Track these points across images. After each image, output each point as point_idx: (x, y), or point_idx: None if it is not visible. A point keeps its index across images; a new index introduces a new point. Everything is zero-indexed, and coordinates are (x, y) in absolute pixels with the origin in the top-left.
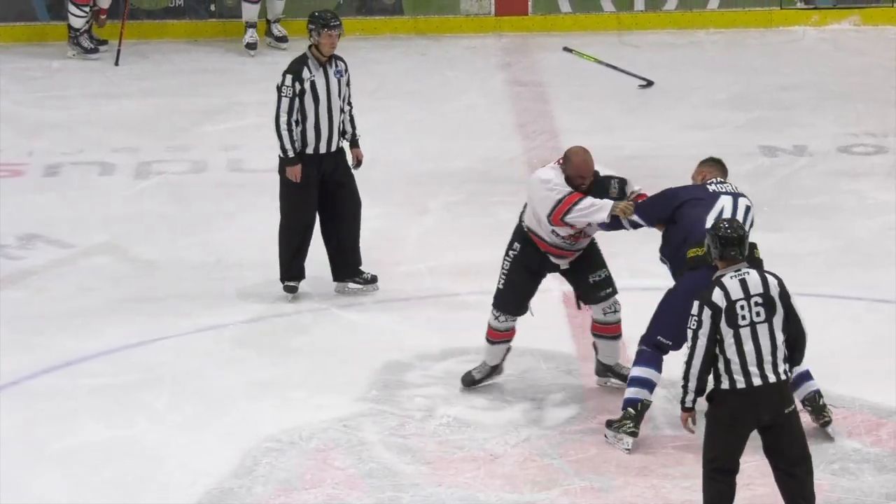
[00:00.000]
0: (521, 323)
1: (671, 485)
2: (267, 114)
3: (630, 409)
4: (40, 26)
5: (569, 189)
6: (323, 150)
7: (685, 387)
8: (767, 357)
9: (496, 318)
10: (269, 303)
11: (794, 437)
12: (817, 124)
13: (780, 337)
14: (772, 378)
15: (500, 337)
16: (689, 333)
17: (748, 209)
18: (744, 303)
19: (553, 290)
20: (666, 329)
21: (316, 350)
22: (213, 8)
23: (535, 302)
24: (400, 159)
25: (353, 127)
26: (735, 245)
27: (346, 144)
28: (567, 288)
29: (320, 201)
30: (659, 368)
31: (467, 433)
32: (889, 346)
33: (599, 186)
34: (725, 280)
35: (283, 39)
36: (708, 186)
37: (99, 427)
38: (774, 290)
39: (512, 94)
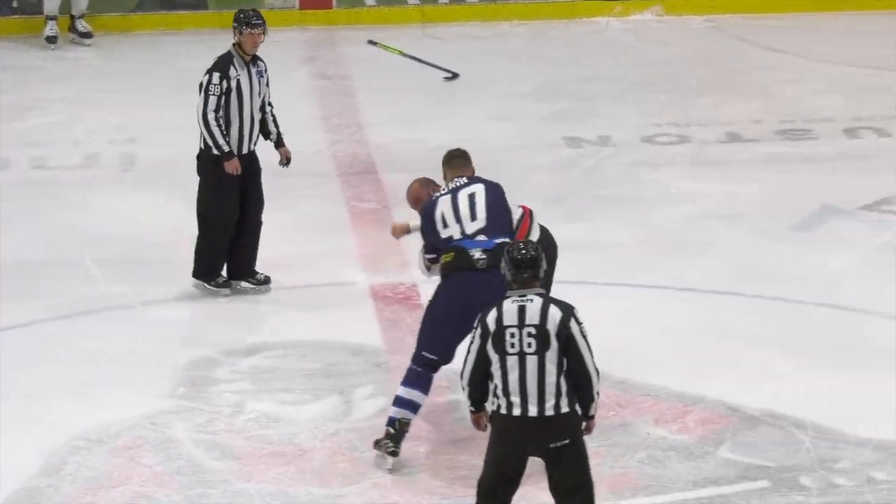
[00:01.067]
0: (330, 316)
1: (478, 473)
2: (70, 111)
3: (390, 429)
4: None
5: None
6: (245, 150)
7: (463, 393)
8: (532, 389)
9: None
10: (74, 301)
11: (565, 470)
12: (620, 115)
13: (551, 371)
14: (532, 411)
15: None
16: (469, 342)
17: (472, 196)
18: (515, 330)
19: (360, 282)
20: (429, 344)
21: (123, 348)
22: (15, 4)
23: (341, 295)
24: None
25: (277, 126)
26: (528, 267)
27: (270, 144)
28: (376, 280)
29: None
30: (426, 389)
31: (276, 428)
32: (694, 335)
33: None
34: (505, 303)
35: (87, 35)
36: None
37: None
38: (552, 324)
39: (317, 88)
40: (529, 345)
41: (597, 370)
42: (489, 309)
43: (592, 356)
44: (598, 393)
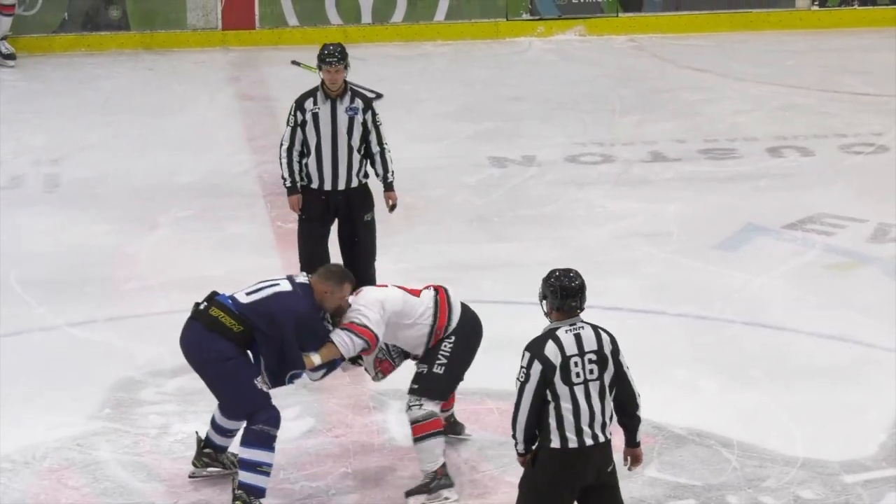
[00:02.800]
0: None
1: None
2: None
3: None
4: None
5: None
6: (328, 186)
7: (515, 437)
8: (598, 416)
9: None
10: (2, 319)
11: (614, 495)
12: (545, 134)
13: (608, 395)
14: (601, 437)
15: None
16: (518, 385)
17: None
18: (578, 359)
19: None
20: (255, 397)
21: (48, 368)
22: None
23: None
24: (129, 174)
25: (385, 169)
26: (574, 295)
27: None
28: None
29: (341, 238)
30: (271, 448)
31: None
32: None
33: None
34: (560, 334)
35: (10, 57)
36: None
37: None
38: (607, 347)
39: (241, 109)
40: (591, 371)
41: (638, 393)
42: (542, 343)
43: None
44: (640, 418)
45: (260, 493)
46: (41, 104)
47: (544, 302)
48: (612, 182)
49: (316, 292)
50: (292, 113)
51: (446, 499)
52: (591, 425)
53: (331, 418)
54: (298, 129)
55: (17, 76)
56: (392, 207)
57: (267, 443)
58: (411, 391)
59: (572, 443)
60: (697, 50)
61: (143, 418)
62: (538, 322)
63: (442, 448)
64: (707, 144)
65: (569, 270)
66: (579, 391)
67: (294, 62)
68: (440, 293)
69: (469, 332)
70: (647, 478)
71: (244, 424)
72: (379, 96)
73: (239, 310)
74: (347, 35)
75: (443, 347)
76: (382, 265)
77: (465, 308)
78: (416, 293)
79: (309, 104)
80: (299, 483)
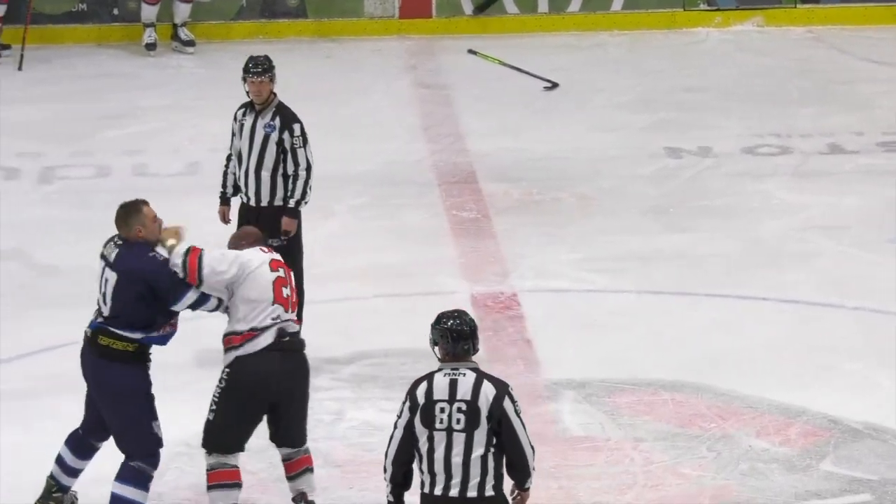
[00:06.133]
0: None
1: (582, 486)
2: (170, 119)
3: None
4: None
5: None
6: (246, 199)
7: (385, 476)
8: (457, 468)
9: None
10: None
11: None
12: (721, 126)
13: (478, 450)
14: (454, 492)
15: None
16: (394, 419)
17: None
18: (445, 405)
19: (460, 291)
20: (146, 440)
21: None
22: (116, 12)
23: (441, 304)
24: None
25: (292, 193)
26: (467, 339)
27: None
28: (476, 290)
29: None
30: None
31: (377, 436)
32: (795, 347)
33: None
34: (437, 376)
35: (189, 44)
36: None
37: (7, 434)
38: (484, 402)
39: (417, 97)
40: (458, 421)
41: (532, 448)
42: (419, 382)
43: (527, 434)
44: (533, 469)
45: None
46: (219, 91)
47: (436, 348)
48: (789, 174)
49: (137, 241)
50: (232, 120)
51: None
52: (446, 475)
53: None
54: (234, 138)
55: (196, 63)
56: (284, 234)
57: (142, 482)
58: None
59: (426, 487)
60: (876, 42)
61: (317, 404)
62: (715, 314)
63: (230, 502)
64: (885, 137)
65: (457, 312)
66: (439, 438)
67: (471, 51)
68: (277, 325)
69: (243, 383)
70: (823, 472)
71: (90, 462)
72: (554, 86)
73: (116, 326)
74: (524, 24)
75: (214, 393)
76: (556, 255)
77: (271, 358)
78: (282, 301)
79: (240, 114)
80: None
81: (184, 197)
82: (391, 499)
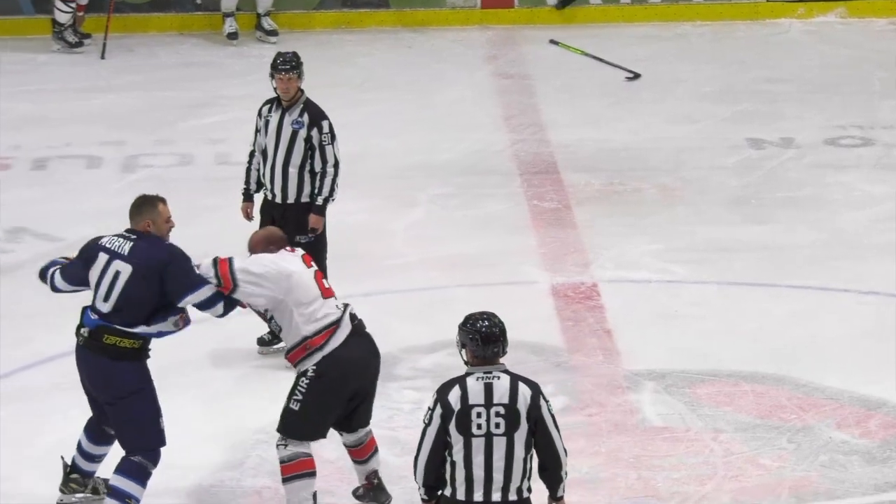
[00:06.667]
0: (510, 314)
1: (661, 476)
2: (252, 108)
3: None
4: (24, 20)
5: None
6: (270, 196)
7: (416, 479)
8: (498, 474)
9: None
10: None
11: None
12: (804, 116)
13: (519, 453)
14: (496, 496)
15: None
16: (422, 427)
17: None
18: (482, 409)
19: (541, 281)
20: (152, 436)
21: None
22: (198, 1)
23: (522, 293)
24: (387, 152)
25: (320, 191)
26: (496, 341)
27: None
28: (556, 280)
29: None
30: (144, 483)
31: None
32: (876, 338)
33: None
34: (469, 381)
35: (272, 33)
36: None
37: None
38: (522, 403)
39: (499, 87)
40: (497, 425)
41: (565, 451)
42: (449, 387)
43: (561, 436)
44: (566, 474)
45: None
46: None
47: (463, 350)
48: (871, 165)
49: (150, 234)
50: (257, 116)
51: None
52: (486, 481)
53: (584, 397)
54: (258, 134)
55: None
56: (311, 231)
57: (141, 477)
58: (277, 428)
59: (460, 494)
60: None
61: (397, 393)
62: (796, 305)
63: (311, 490)
64: None
65: (487, 314)
66: (478, 444)
67: (552, 41)
68: (345, 313)
69: (335, 374)
70: None
71: (110, 449)
72: (637, 76)
73: (119, 323)
74: (607, 14)
75: (300, 383)
76: (637, 246)
77: (353, 344)
78: (329, 293)
79: (265, 110)
80: None
81: None
82: (427, 497)
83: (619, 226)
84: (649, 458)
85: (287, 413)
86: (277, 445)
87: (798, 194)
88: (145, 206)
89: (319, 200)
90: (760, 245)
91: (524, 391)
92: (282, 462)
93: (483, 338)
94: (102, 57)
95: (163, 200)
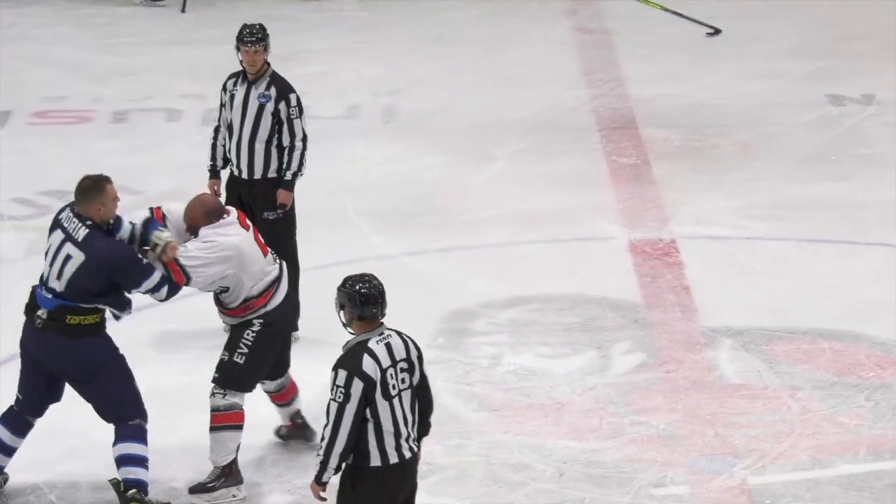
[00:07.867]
0: (588, 270)
1: (738, 433)
2: (332, 62)
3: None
4: None
5: None
6: (237, 172)
7: (325, 463)
8: (412, 426)
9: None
10: (334, 249)
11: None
12: (885, 73)
13: (415, 404)
14: (415, 448)
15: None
16: (334, 407)
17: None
18: (392, 370)
19: (619, 237)
20: (135, 402)
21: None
22: None
23: (599, 249)
24: (464, 108)
25: (288, 166)
26: (376, 302)
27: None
28: (634, 236)
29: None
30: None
31: (533, 381)
32: None
33: None
34: (372, 345)
35: None
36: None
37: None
38: (414, 353)
39: (577, 42)
40: (403, 380)
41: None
42: (357, 359)
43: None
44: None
45: (146, 487)
46: (379, 36)
47: (342, 312)
48: None
49: (96, 220)
50: (221, 90)
51: (234, 496)
52: (407, 438)
53: (662, 353)
54: (223, 109)
55: (357, 7)
56: (280, 206)
57: (144, 437)
58: (213, 379)
59: (393, 458)
60: None
61: (475, 348)
62: (874, 263)
63: (237, 443)
64: None
65: (365, 275)
66: (396, 403)
67: None
68: (282, 270)
69: (279, 326)
70: None
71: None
72: (717, 32)
73: (76, 300)
74: None
75: (245, 336)
76: (715, 202)
77: (285, 297)
78: (266, 250)
79: (230, 84)
80: (628, 417)
81: (345, 139)
82: (327, 480)
83: (698, 182)
84: (726, 414)
85: (231, 365)
86: (214, 394)
87: (878, 151)
88: (94, 191)
89: (288, 175)
90: (839, 202)
91: (411, 343)
92: (216, 410)
93: (363, 298)
94: (183, 10)
95: (108, 180)
